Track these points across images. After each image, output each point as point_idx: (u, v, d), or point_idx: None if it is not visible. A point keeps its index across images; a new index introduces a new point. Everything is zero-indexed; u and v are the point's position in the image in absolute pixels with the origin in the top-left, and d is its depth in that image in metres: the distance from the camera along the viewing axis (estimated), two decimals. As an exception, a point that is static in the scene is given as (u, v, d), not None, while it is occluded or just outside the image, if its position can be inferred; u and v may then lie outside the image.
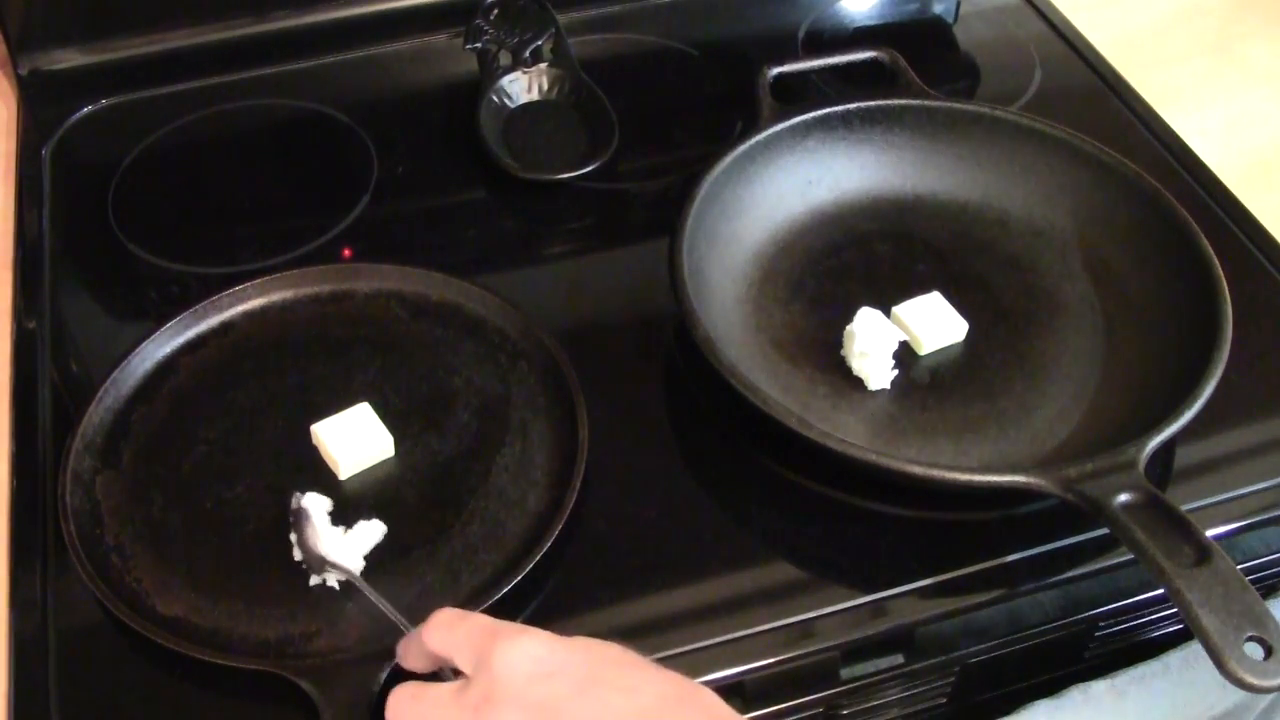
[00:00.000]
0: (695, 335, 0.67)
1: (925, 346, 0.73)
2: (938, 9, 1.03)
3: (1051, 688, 0.65)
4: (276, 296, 0.75)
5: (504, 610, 0.59)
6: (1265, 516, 0.67)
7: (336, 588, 0.62)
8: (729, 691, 0.61)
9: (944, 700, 0.68)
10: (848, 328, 0.71)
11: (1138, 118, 0.91)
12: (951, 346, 0.74)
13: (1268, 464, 0.69)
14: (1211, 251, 0.71)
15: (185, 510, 0.66)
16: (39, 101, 0.93)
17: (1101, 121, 0.89)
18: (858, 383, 0.71)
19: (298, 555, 0.62)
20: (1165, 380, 0.67)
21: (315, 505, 0.63)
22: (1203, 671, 0.65)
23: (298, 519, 0.62)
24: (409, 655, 0.55)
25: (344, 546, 0.62)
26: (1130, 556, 0.59)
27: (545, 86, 0.91)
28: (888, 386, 0.71)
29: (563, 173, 0.84)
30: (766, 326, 0.74)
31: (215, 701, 0.59)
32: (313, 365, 0.72)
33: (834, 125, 0.81)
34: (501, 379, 0.71)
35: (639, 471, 0.69)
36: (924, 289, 0.75)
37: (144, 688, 0.60)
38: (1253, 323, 0.73)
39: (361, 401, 0.69)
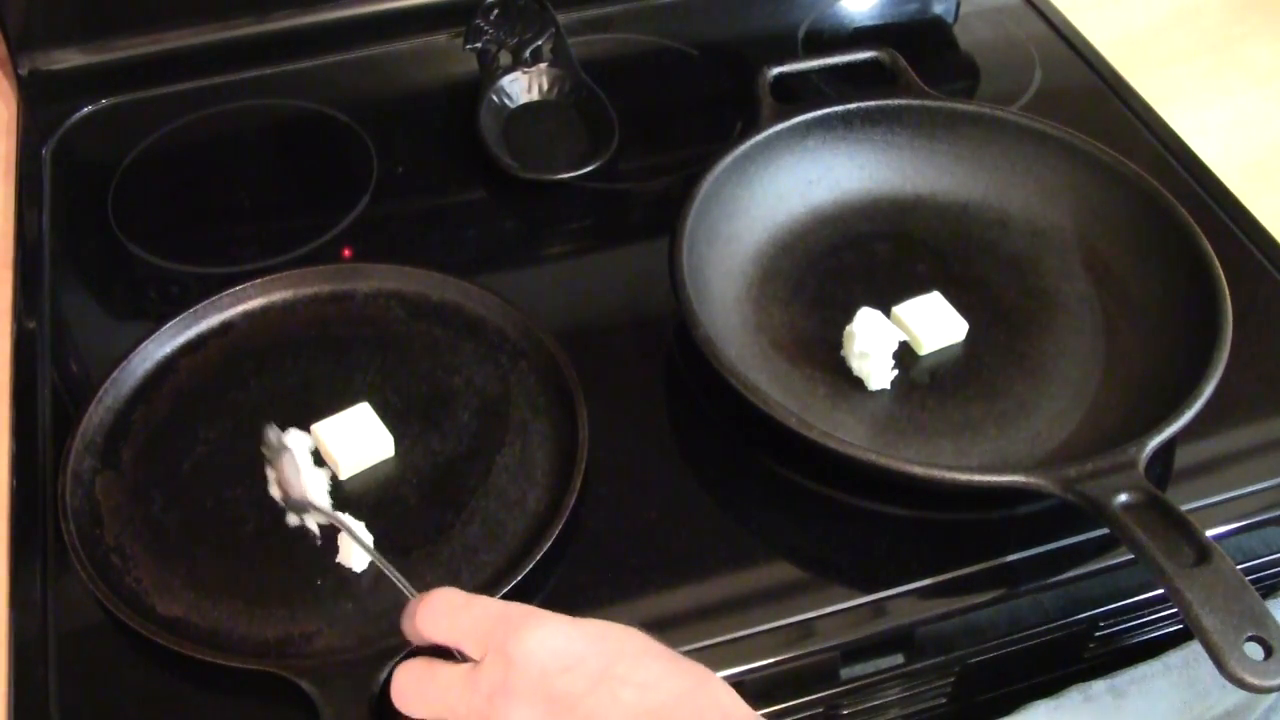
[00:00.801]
0: (695, 335, 0.67)
1: (925, 347, 0.73)
2: (938, 9, 1.03)
3: (1051, 688, 0.65)
4: (276, 296, 0.75)
5: (504, 610, 0.59)
6: (1265, 516, 0.67)
7: (316, 531, 0.61)
8: (729, 691, 0.61)
9: (944, 700, 0.68)
10: (848, 328, 0.71)
11: (1138, 118, 0.91)
12: (951, 347, 0.74)
13: (1268, 464, 0.69)
14: (1211, 251, 0.71)
15: (185, 510, 0.65)
16: (39, 101, 0.93)
17: (1101, 121, 0.89)
18: (858, 383, 0.71)
19: (275, 493, 0.61)
20: (1165, 380, 0.67)
21: (298, 443, 0.62)
22: (1203, 671, 0.65)
23: (276, 455, 0.61)
24: (412, 630, 0.52)
25: (326, 491, 0.61)
26: (1130, 556, 0.59)
27: (545, 86, 0.91)
28: (888, 386, 0.71)
29: (563, 173, 0.84)
30: (766, 326, 0.74)
31: (215, 701, 0.59)
32: (313, 365, 0.72)
33: (834, 125, 0.81)
34: (501, 379, 0.71)
35: (639, 471, 0.69)
36: (924, 289, 0.75)
37: (144, 688, 0.60)
38: (1253, 323, 0.73)
39: (361, 401, 0.69)
